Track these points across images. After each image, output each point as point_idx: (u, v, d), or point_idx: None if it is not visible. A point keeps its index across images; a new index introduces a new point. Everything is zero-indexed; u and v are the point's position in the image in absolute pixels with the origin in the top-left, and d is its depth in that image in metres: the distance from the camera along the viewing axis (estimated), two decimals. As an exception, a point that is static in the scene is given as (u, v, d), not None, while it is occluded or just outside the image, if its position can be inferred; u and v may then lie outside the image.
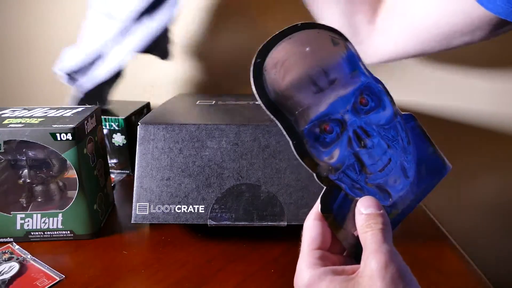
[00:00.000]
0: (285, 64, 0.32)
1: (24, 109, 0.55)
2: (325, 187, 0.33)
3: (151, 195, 0.49)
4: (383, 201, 0.33)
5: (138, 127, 0.50)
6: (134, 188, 0.49)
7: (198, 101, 0.66)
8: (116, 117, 0.70)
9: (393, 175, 0.34)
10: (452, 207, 0.91)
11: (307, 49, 0.33)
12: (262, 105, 0.32)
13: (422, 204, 0.63)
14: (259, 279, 0.45)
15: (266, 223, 0.48)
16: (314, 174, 0.33)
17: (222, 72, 0.88)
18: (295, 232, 0.48)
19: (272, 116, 0.32)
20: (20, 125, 0.48)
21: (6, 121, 0.50)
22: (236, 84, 0.87)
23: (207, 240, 0.51)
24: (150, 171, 0.49)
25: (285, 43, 0.33)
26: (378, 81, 0.35)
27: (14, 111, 0.54)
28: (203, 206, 0.49)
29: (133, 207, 0.49)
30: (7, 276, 0.45)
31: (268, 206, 0.48)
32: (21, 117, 0.51)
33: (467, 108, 0.85)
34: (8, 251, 0.49)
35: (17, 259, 0.48)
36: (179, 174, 0.49)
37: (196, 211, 0.49)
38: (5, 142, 0.48)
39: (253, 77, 0.32)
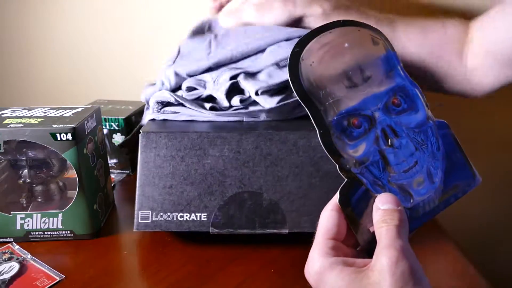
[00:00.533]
0: (322, 56, 0.33)
1: (24, 109, 0.55)
2: (346, 179, 0.33)
3: (153, 203, 0.49)
4: (404, 202, 0.33)
5: (139, 135, 0.50)
6: (136, 196, 0.49)
7: None
8: (116, 117, 0.70)
9: (418, 178, 0.34)
10: (452, 207, 0.91)
11: (346, 44, 0.34)
12: (294, 92, 0.33)
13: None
14: (259, 279, 0.45)
15: (268, 230, 0.48)
16: (337, 166, 0.33)
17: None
18: (295, 233, 0.49)
19: (302, 104, 0.33)
20: (20, 125, 0.48)
21: (6, 121, 0.50)
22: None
23: (207, 240, 0.50)
24: (152, 179, 0.49)
25: (325, 37, 0.34)
26: (414, 85, 0.35)
27: (14, 111, 0.54)
28: (206, 214, 0.49)
29: (135, 215, 0.49)
30: (7, 276, 0.45)
31: (270, 214, 0.48)
32: (21, 117, 0.51)
33: (467, 109, 0.85)
34: (8, 251, 0.49)
35: (17, 259, 0.48)
36: (181, 182, 0.49)
37: (198, 219, 0.49)
38: (5, 142, 0.48)
39: (290, 64, 0.33)
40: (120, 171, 0.73)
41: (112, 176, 0.69)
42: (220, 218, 0.49)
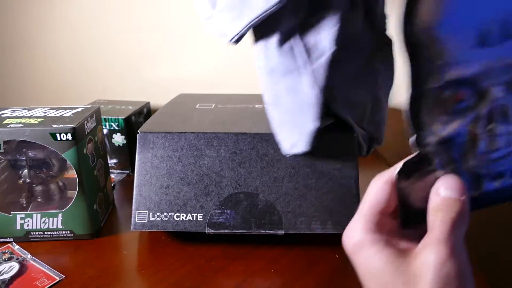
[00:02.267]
0: None
1: (24, 109, 0.55)
2: (417, 153, 0.28)
3: (150, 203, 0.49)
4: (470, 190, 0.28)
5: (137, 135, 0.50)
6: (134, 196, 0.50)
7: (198, 104, 0.66)
8: (116, 117, 0.70)
9: (502, 170, 0.28)
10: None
11: None
12: (402, 37, 0.25)
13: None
14: (259, 279, 0.45)
15: (264, 231, 0.49)
16: (414, 136, 0.27)
17: (222, 71, 0.88)
18: (294, 233, 0.49)
19: (406, 54, 0.25)
20: (20, 125, 0.48)
21: (6, 121, 0.50)
22: (236, 84, 0.87)
23: (207, 240, 0.51)
24: (150, 179, 0.50)
25: None
26: None
27: (14, 111, 0.54)
28: (202, 214, 0.49)
29: (132, 215, 0.49)
30: (7, 276, 0.45)
31: (266, 215, 0.49)
32: (21, 117, 0.51)
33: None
34: (8, 251, 0.49)
35: (17, 259, 0.48)
36: (178, 182, 0.49)
37: (194, 219, 0.49)
38: (5, 142, 0.48)
39: (406, 2, 0.24)
40: (120, 171, 0.73)
41: (112, 176, 0.69)
42: (216, 218, 0.49)
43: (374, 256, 0.27)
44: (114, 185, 0.68)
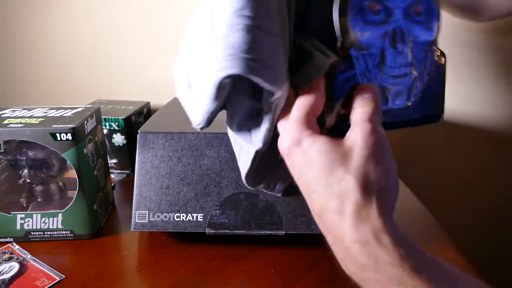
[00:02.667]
0: None
1: (24, 109, 0.55)
2: (341, 56, 0.33)
3: (150, 203, 0.49)
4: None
5: (137, 135, 0.50)
6: (134, 196, 0.50)
7: None
8: (116, 117, 0.70)
9: (400, 89, 0.34)
10: (453, 207, 0.91)
11: None
12: None
13: (422, 204, 0.63)
14: (259, 279, 0.45)
15: (264, 231, 0.49)
16: (339, 42, 0.32)
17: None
18: (293, 234, 0.49)
19: None
20: (20, 125, 0.48)
21: (6, 121, 0.50)
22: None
23: (207, 240, 0.51)
24: (150, 179, 0.50)
25: None
26: (437, 5, 0.35)
27: (14, 111, 0.54)
28: (202, 214, 0.49)
29: (133, 215, 0.49)
30: (7, 276, 0.45)
31: (266, 215, 0.49)
32: (21, 117, 0.51)
33: (467, 110, 0.85)
34: (8, 251, 0.49)
35: (17, 259, 0.48)
36: (178, 182, 0.49)
37: (194, 219, 0.49)
38: (5, 142, 0.48)
39: None
40: (120, 171, 0.73)
41: (112, 176, 0.69)
42: (216, 218, 0.49)
43: (311, 145, 0.30)
44: (114, 185, 0.68)
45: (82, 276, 0.45)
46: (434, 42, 0.35)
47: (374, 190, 0.28)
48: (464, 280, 0.28)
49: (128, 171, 0.73)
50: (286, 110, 0.34)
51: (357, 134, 0.29)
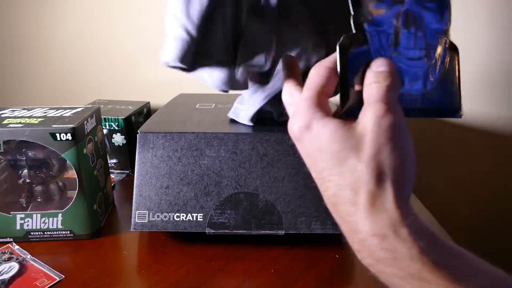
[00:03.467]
0: None
1: (24, 109, 0.55)
2: (354, 31, 0.32)
3: (150, 203, 0.49)
4: None
5: (137, 135, 0.50)
6: (134, 196, 0.50)
7: (198, 105, 0.66)
8: (116, 117, 0.70)
9: (417, 72, 0.33)
10: (453, 206, 0.91)
11: None
12: None
13: (422, 204, 0.63)
14: (259, 279, 0.45)
15: (264, 231, 0.49)
16: (351, 16, 0.32)
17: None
18: (294, 233, 0.49)
19: None
20: (19, 125, 0.48)
21: (6, 121, 0.50)
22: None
23: (207, 240, 0.51)
24: (150, 179, 0.50)
25: None
26: None
27: (13, 111, 0.54)
28: (202, 214, 0.49)
29: (132, 215, 0.49)
30: (6, 276, 0.45)
31: (266, 215, 0.49)
32: (21, 117, 0.51)
33: (466, 110, 0.85)
34: (7, 251, 0.49)
35: (17, 259, 0.48)
36: (178, 182, 0.49)
37: (194, 219, 0.49)
38: (4, 142, 0.48)
39: None
40: (120, 171, 0.73)
41: (112, 176, 0.69)
42: (216, 218, 0.49)
43: (322, 129, 0.28)
44: (114, 185, 0.68)
45: (82, 276, 0.45)
46: (446, 33, 0.34)
47: (389, 179, 0.27)
48: (488, 272, 0.26)
49: (128, 171, 0.73)
50: (290, 78, 0.33)
51: (369, 117, 0.27)
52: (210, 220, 0.49)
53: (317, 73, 0.31)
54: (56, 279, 0.44)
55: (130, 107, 0.76)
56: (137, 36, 0.88)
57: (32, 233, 0.51)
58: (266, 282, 0.45)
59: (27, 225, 0.51)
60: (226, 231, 0.49)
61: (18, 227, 0.51)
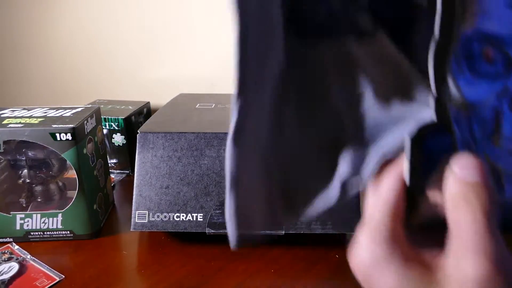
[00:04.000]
0: None
1: (24, 109, 0.55)
2: (435, 117, 0.22)
3: (150, 203, 0.49)
4: None
5: (137, 135, 0.50)
6: (134, 196, 0.50)
7: (198, 105, 0.66)
8: (116, 117, 0.70)
9: None
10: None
11: None
12: None
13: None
14: (259, 279, 0.45)
15: (264, 231, 0.48)
16: (433, 91, 0.22)
17: (222, 71, 0.88)
18: (294, 233, 0.49)
19: None
20: (19, 125, 0.48)
21: (5, 121, 0.50)
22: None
23: (207, 240, 0.50)
24: (149, 179, 0.50)
25: None
26: None
27: (13, 111, 0.54)
28: (202, 214, 0.49)
29: (132, 215, 0.49)
30: (6, 276, 0.45)
31: None
32: (21, 117, 0.51)
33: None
34: (7, 251, 0.49)
35: (17, 259, 0.48)
36: (178, 182, 0.49)
37: (194, 219, 0.49)
38: (4, 142, 0.48)
39: None
40: (120, 171, 0.73)
41: (112, 176, 0.69)
42: (216, 218, 0.49)
43: (393, 275, 0.21)
44: (114, 185, 0.68)
45: (82, 276, 0.45)
46: None
47: None
48: None
49: (128, 171, 0.73)
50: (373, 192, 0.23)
51: (469, 278, 0.18)
52: (210, 220, 0.49)
53: (389, 186, 0.22)
54: (56, 279, 0.44)
55: (130, 107, 0.76)
56: (137, 36, 0.88)
57: (32, 233, 0.51)
58: (266, 282, 0.45)
59: (27, 225, 0.51)
60: (226, 231, 0.49)
61: (18, 227, 0.51)
